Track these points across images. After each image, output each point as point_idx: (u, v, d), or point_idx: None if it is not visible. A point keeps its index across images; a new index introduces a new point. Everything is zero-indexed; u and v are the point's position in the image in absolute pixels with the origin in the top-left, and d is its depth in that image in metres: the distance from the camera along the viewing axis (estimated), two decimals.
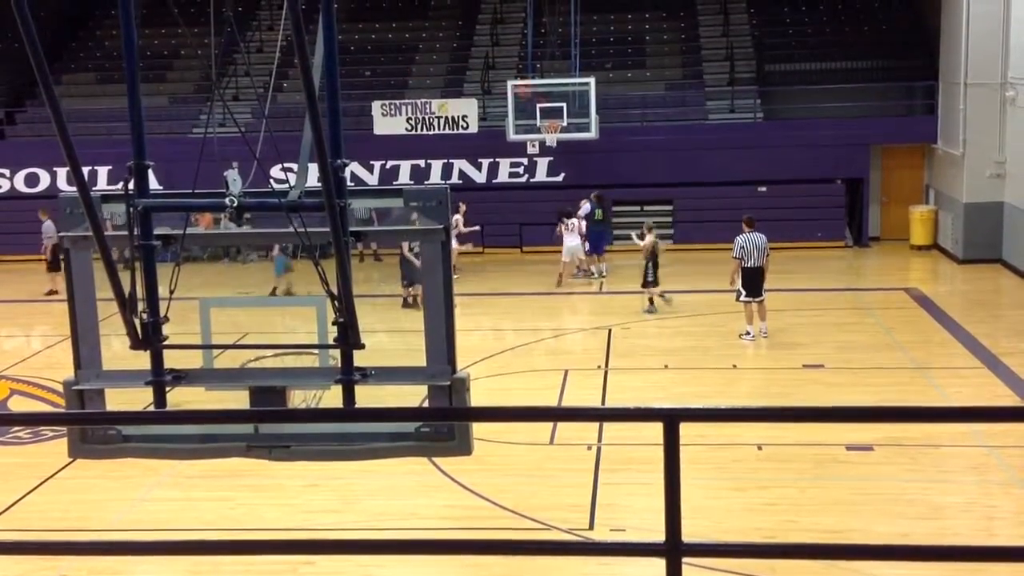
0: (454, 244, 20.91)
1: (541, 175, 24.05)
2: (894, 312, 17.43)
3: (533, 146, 22.88)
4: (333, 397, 6.94)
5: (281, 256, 19.32)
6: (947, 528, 9.34)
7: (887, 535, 8.86)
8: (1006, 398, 12.83)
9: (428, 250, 6.73)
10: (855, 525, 9.23)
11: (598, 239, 21.24)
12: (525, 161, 23.90)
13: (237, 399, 7.24)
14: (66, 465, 10.61)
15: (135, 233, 6.40)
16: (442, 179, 23.84)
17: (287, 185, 6.55)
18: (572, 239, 20.35)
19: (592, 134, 21.93)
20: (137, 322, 6.47)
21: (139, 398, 6.95)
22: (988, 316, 17.37)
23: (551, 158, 23.58)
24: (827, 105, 23.79)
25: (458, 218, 21.00)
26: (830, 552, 6.41)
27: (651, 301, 18.19)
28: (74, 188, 6.14)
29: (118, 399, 7.09)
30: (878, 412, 8.95)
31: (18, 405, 13.77)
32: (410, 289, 17.70)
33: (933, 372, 14.11)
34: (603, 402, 13.18)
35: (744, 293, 15.84)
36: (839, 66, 24.92)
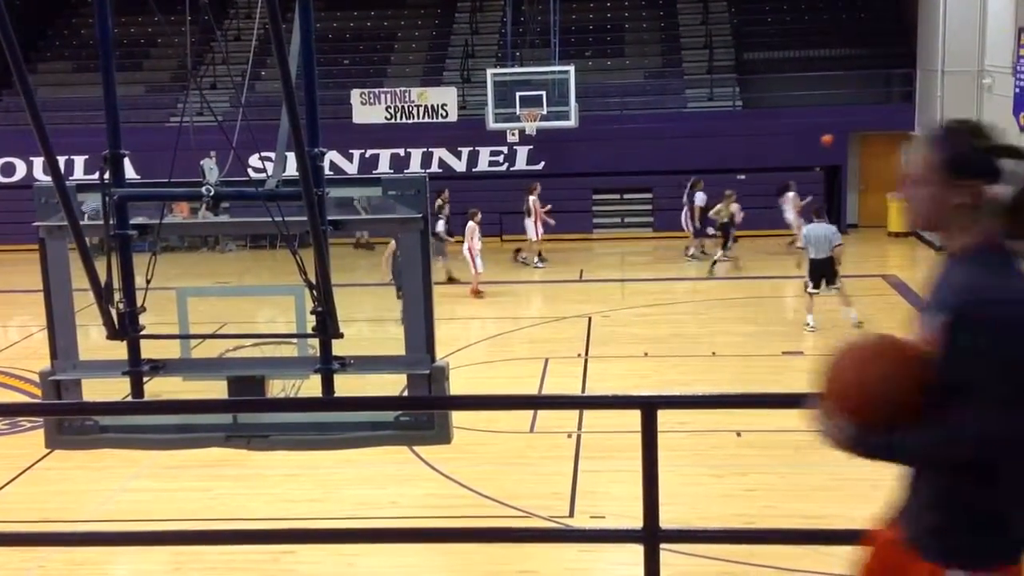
0: (538, 231, 21.05)
1: (521, 164, 24.04)
2: (872, 299, 17.51)
3: (513, 135, 22.86)
4: (312, 386, 6.93)
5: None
6: None
7: (866, 520, 8.90)
8: None
9: (407, 239, 6.72)
10: (834, 510, 9.27)
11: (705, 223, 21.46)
12: (505, 150, 23.88)
13: (215, 389, 7.22)
14: (44, 456, 10.55)
15: (111, 223, 6.36)
16: (422, 168, 23.80)
17: (265, 174, 6.53)
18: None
19: (572, 122, 21.92)
20: (114, 312, 6.44)
21: (116, 388, 6.91)
22: None
23: (531, 147, 23.57)
24: (806, 93, 23.87)
25: (534, 200, 21.04)
26: (808, 537, 6.45)
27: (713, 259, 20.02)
28: (50, 177, 6.10)
29: (95, 389, 7.06)
30: None
31: None
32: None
33: None
34: (583, 390, 13.20)
35: (811, 284, 15.60)
36: (818, 54, 25.00)
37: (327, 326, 6.40)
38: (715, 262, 20.32)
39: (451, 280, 19.46)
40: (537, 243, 21.40)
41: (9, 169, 24.64)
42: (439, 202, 20.58)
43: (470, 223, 18.87)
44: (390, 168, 23.67)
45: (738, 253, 20.77)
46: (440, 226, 19.57)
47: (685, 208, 21.60)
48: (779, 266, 20.31)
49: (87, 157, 22.22)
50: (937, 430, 2.87)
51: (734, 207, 20.47)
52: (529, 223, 21.11)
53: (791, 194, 21.67)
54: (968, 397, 2.80)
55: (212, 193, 6.30)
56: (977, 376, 2.78)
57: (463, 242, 19.06)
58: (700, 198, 21.14)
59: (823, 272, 15.57)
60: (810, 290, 15.71)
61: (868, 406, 2.98)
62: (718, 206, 20.56)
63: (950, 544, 2.99)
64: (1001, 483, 2.91)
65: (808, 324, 15.65)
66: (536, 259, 21.44)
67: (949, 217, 2.93)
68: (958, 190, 2.89)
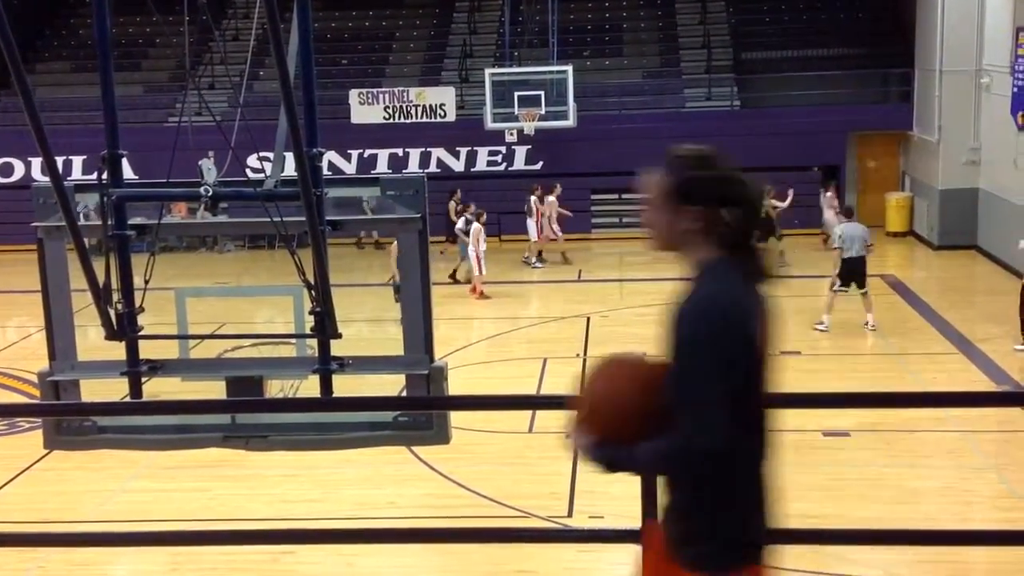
0: (557, 231, 21.05)
1: (519, 163, 24.03)
2: (868, 299, 17.50)
3: (511, 134, 22.85)
4: (311, 387, 6.93)
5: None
6: (923, 512, 9.41)
7: (863, 519, 8.92)
8: (981, 383, 12.93)
9: (405, 239, 6.72)
10: (832, 510, 9.28)
11: None
12: (503, 150, 23.87)
13: (214, 389, 7.21)
14: (42, 457, 10.54)
15: (109, 223, 6.36)
16: (420, 168, 23.79)
17: (263, 174, 6.53)
18: None
19: (570, 122, 21.92)
20: (112, 312, 6.44)
21: (115, 389, 6.91)
22: (963, 302, 17.51)
23: (529, 146, 23.56)
24: (804, 93, 23.87)
25: (552, 200, 21.04)
26: (807, 537, 6.45)
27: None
28: (48, 178, 6.10)
29: (94, 390, 7.05)
30: (855, 398, 9.01)
31: None
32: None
33: (909, 358, 14.20)
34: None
35: (839, 283, 15.44)
36: (816, 54, 25.00)
37: (325, 326, 6.40)
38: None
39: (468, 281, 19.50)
40: (538, 243, 21.40)
41: (7, 169, 24.61)
42: (551, 199, 21.01)
43: (475, 224, 18.84)
44: (388, 168, 23.65)
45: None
46: (461, 224, 19.64)
47: None
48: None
49: (85, 157, 22.19)
50: (660, 443, 3.01)
51: (772, 201, 20.52)
52: (531, 223, 21.12)
53: (830, 194, 21.74)
54: (683, 403, 2.96)
55: (210, 193, 6.29)
56: (683, 358, 2.97)
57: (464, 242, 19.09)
58: None
59: (858, 272, 15.38)
60: (837, 288, 15.51)
61: (614, 422, 3.12)
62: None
63: (694, 551, 3.12)
64: (736, 489, 3.06)
65: (822, 324, 15.51)
66: (535, 259, 21.44)
67: (680, 240, 3.11)
68: (686, 215, 3.05)
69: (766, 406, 3.14)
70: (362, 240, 22.70)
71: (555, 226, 21.36)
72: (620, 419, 3.10)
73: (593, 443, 3.17)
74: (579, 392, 3.21)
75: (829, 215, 21.35)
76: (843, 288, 15.49)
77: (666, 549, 3.22)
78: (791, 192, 21.31)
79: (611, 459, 3.16)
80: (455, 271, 19.69)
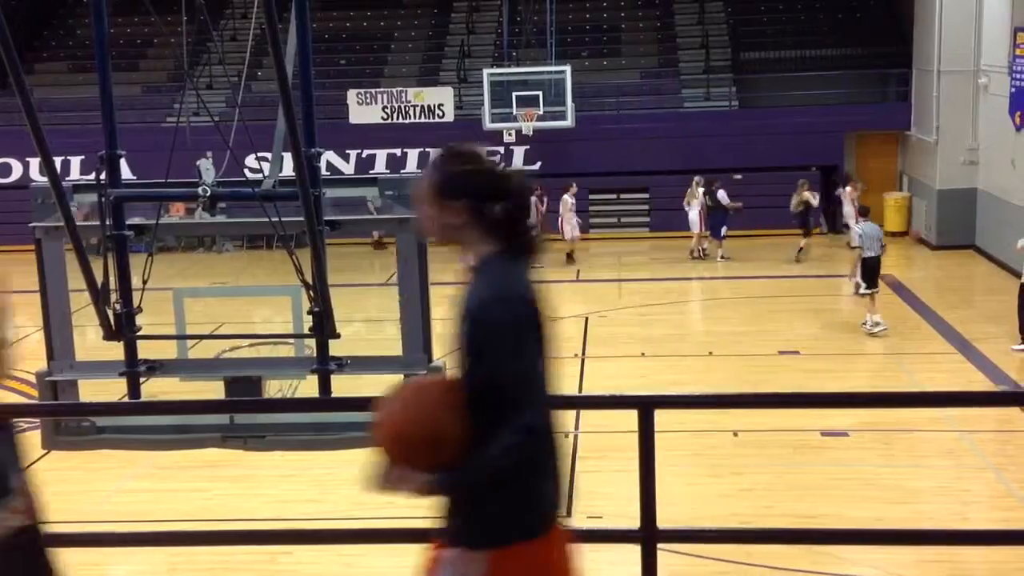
0: (575, 231, 20.99)
1: (518, 164, 24.00)
2: (869, 298, 17.51)
3: (509, 134, 22.84)
4: (309, 387, 6.93)
5: None
6: (921, 512, 9.42)
7: (862, 519, 8.92)
8: (979, 383, 12.94)
9: (403, 240, 6.73)
10: (830, 510, 9.29)
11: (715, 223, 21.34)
12: (502, 150, 23.84)
13: (212, 389, 7.21)
14: (40, 457, 10.53)
15: (107, 223, 6.36)
16: (418, 168, 23.76)
17: (261, 174, 6.53)
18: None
19: (568, 122, 21.92)
20: (110, 313, 6.44)
21: (113, 389, 6.91)
22: (961, 302, 17.52)
23: (527, 147, 23.55)
24: (801, 93, 23.86)
25: (567, 199, 21.09)
26: (805, 536, 6.47)
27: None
28: (46, 178, 6.10)
29: (92, 390, 7.05)
30: (853, 398, 9.03)
31: None
32: None
33: (907, 358, 14.21)
34: (580, 390, 13.19)
35: (864, 285, 15.26)
36: (813, 54, 25.00)
37: (324, 326, 6.40)
38: (800, 250, 20.59)
39: None
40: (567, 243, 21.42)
41: (5, 170, 24.59)
42: (566, 198, 20.92)
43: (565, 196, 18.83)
44: (386, 168, 23.63)
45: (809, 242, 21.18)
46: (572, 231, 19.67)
47: (697, 208, 21.33)
48: (776, 266, 20.35)
49: (83, 157, 22.16)
50: (498, 441, 3.06)
51: (806, 194, 20.93)
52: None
53: (849, 188, 21.70)
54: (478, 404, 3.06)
55: (209, 193, 6.30)
56: (480, 352, 3.06)
57: None
58: (723, 196, 20.93)
59: (875, 271, 15.24)
60: (864, 291, 15.28)
61: (430, 447, 3.14)
62: (794, 197, 20.92)
63: (492, 527, 3.18)
64: (543, 461, 3.23)
65: (878, 326, 15.18)
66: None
67: (450, 234, 3.22)
68: (450, 210, 3.16)
69: (549, 384, 3.29)
70: (382, 239, 22.33)
71: (568, 225, 21.35)
72: (434, 443, 3.13)
73: (418, 476, 3.16)
74: (379, 432, 3.21)
75: (849, 210, 21.38)
76: (872, 290, 15.21)
77: (446, 536, 3.28)
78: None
79: (448, 483, 3.18)
80: None
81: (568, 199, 21.30)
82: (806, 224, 21.07)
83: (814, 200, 20.99)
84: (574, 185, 21.73)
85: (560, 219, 21.25)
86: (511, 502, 3.17)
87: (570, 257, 21.26)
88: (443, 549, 3.26)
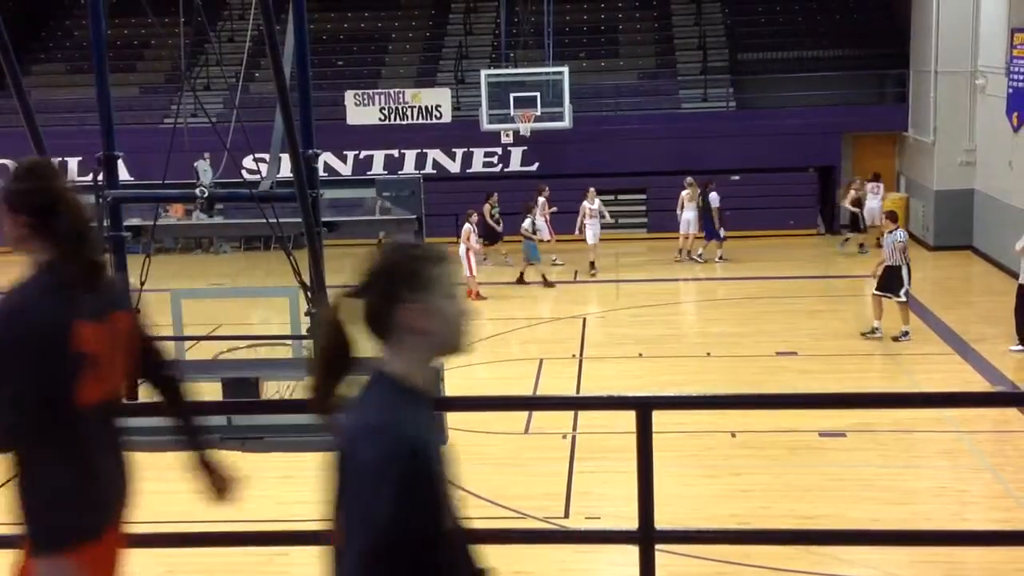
0: (596, 237, 20.93)
1: (515, 165, 24.04)
2: (865, 299, 17.53)
3: (507, 135, 22.85)
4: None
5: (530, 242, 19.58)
6: (919, 513, 9.42)
7: (859, 520, 8.93)
8: (976, 384, 12.95)
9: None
10: (828, 510, 9.30)
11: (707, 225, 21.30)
12: (499, 151, 23.87)
13: (210, 390, 7.21)
14: None
15: (105, 224, 6.36)
16: (416, 169, 23.77)
17: (259, 176, 6.53)
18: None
19: (566, 123, 21.91)
20: None
21: None
22: (958, 302, 17.54)
23: (525, 148, 23.56)
24: (799, 94, 23.89)
25: (543, 201, 21.06)
26: (803, 537, 6.47)
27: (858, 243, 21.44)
28: None
29: None
30: (850, 398, 9.04)
31: None
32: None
33: (904, 358, 14.22)
34: (578, 391, 13.20)
35: (903, 295, 14.90)
36: (811, 55, 25.03)
37: None
38: (861, 245, 21.35)
39: (547, 283, 19.54)
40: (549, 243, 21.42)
41: (3, 171, 24.55)
42: (541, 200, 20.87)
43: (466, 225, 18.86)
44: (384, 169, 23.64)
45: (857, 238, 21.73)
46: (527, 223, 19.64)
47: (692, 210, 21.28)
48: (775, 266, 20.36)
49: (81, 159, 22.12)
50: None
51: (852, 193, 21.53)
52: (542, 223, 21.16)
53: (871, 183, 21.91)
54: None
55: (206, 194, 6.30)
56: None
57: (459, 243, 19.07)
58: (715, 198, 20.79)
59: (896, 278, 14.94)
60: (900, 298, 14.93)
61: None
62: (849, 195, 21.74)
63: (37, 533, 3.30)
64: (52, 460, 3.30)
65: (876, 330, 15.04)
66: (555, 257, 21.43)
67: (20, 245, 3.37)
68: (16, 223, 3.34)
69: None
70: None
71: (590, 231, 21.20)
72: None
73: None
74: None
75: (874, 204, 21.50)
76: (905, 295, 14.93)
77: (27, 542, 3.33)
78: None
79: None
80: (522, 273, 19.80)
81: (587, 204, 20.94)
82: (857, 221, 21.64)
83: (865, 200, 21.51)
84: (547, 188, 21.50)
85: (580, 222, 21.03)
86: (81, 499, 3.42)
87: (592, 265, 20.79)
88: None
